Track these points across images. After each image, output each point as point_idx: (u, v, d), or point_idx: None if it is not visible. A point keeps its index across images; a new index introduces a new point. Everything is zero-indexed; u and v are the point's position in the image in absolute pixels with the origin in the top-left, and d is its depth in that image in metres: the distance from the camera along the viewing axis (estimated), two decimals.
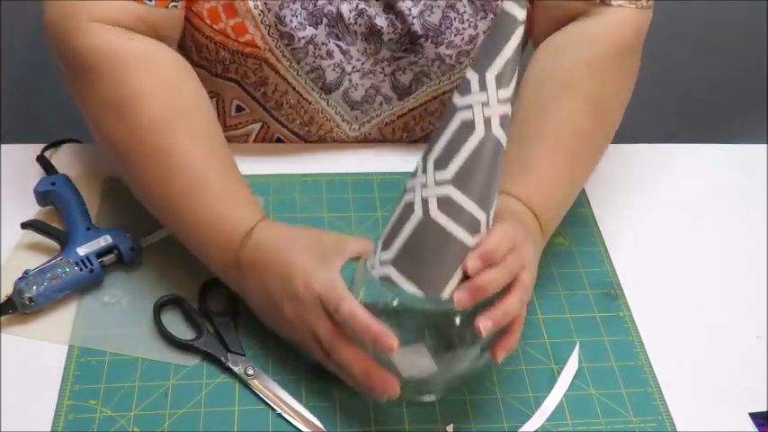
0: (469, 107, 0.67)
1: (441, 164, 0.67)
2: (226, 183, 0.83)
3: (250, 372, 0.80)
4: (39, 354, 0.81)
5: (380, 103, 1.01)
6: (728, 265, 0.96)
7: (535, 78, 0.92)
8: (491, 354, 0.74)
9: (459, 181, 0.67)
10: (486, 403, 0.80)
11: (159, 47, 0.86)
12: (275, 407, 0.78)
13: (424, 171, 0.69)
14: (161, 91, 0.83)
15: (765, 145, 1.11)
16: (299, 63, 0.94)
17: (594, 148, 0.91)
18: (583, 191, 1.01)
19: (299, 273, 0.75)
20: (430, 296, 0.69)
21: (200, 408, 0.78)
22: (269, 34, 0.92)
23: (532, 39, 1.00)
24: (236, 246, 0.80)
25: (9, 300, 0.82)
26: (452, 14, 0.93)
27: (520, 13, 0.66)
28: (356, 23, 0.94)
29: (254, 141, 1.05)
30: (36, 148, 0.99)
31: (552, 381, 0.82)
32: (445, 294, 0.69)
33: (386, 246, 0.71)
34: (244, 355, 0.81)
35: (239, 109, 1.02)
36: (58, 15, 0.84)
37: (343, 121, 1.01)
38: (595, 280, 0.92)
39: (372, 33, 0.94)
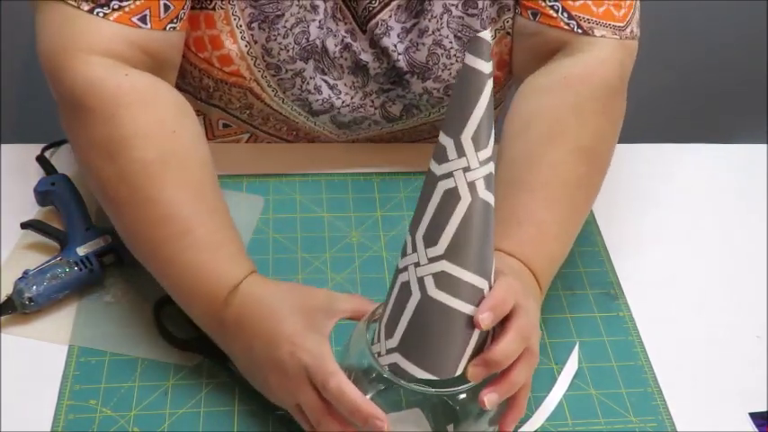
0: (450, 175, 0.62)
1: (430, 239, 0.64)
2: (213, 236, 0.77)
3: None
4: (39, 354, 0.81)
5: (369, 125, 1.01)
6: (728, 265, 0.96)
7: (520, 122, 0.88)
8: (496, 427, 0.71)
9: (453, 253, 0.63)
10: None
11: (158, 85, 0.82)
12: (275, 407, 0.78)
13: (415, 249, 0.65)
14: (155, 133, 0.79)
15: (765, 145, 1.11)
16: (284, 92, 0.94)
17: (587, 195, 0.87)
18: None
19: (284, 341, 0.71)
20: (444, 378, 0.66)
21: (200, 408, 0.78)
22: (255, 65, 0.91)
23: (513, 72, 0.98)
24: (220, 302, 0.75)
25: (9, 300, 0.82)
26: (439, 51, 0.92)
27: (486, 67, 0.60)
28: (342, 57, 0.93)
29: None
30: (36, 148, 0.99)
31: (552, 381, 0.82)
32: (458, 371, 0.66)
33: (389, 333, 0.67)
34: None
35: (226, 125, 1.02)
36: (51, 47, 0.80)
37: (331, 134, 1.02)
38: (595, 280, 0.92)
39: (359, 68, 0.94)
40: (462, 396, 0.70)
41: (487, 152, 0.63)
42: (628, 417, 0.80)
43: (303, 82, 0.93)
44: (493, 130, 0.63)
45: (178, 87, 0.88)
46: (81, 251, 0.86)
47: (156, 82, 0.82)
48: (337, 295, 0.75)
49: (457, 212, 0.62)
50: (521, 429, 0.78)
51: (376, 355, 0.68)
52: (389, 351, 0.67)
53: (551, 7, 0.89)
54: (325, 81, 0.94)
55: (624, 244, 0.96)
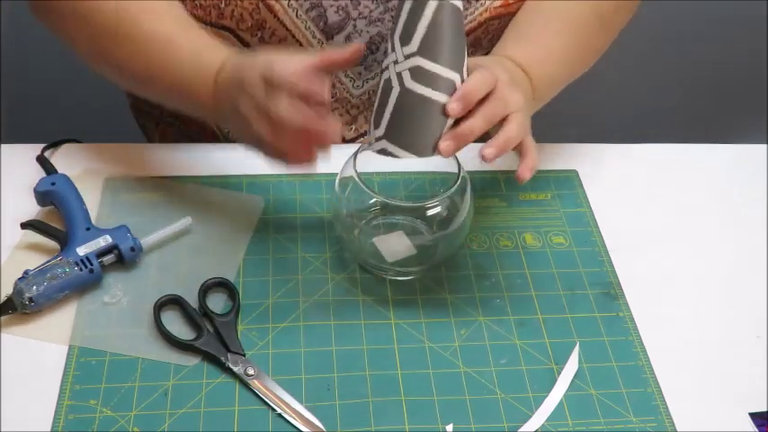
0: None
1: (405, 39, 0.73)
2: (189, 34, 0.86)
3: (250, 372, 0.80)
4: (39, 354, 0.81)
5: (385, 52, 0.99)
6: (728, 265, 0.96)
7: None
8: (463, 238, 0.81)
9: (424, 50, 0.73)
10: (486, 403, 0.80)
11: None
12: (275, 407, 0.78)
13: (393, 49, 0.74)
14: None
15: (765, 145, 1.11)
16: (297, 0, 0.93)
17: (593, 48, 0.97)
18: (583, 191, 1.01)
19: (246, 68, 0.78)
20: (424, 156, 0.75)
21: (201, 408, 0.78)
22: None
23: None
24: (211, 83, 0.82)
25: (9, 300, 0.82)
26: None
27: None
28: None
29: None
30: (36, 148, 0.99)
31: (552, 381, 0.82)
32: (436, 153, 0.75)
33: (376, 124, 0.76)
34: (244, 355, 0.81)
35: None
36: None
37: (345, 77, 1.00)
38: (595, 280, 0.92)
39: None
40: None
41: None
42: (628, 417, 0.80)
43: None
44: None
45: (189, 8, 0.93)
46: (81, 251, 0.86)
47: None
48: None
49: (426, 13, 0.72)
50: (521, 429, 0.78)
51: (369, 145, 0.78)
52: (378, 139, 0.77)
53: None
54: None
55: (624, 244, 0.96)
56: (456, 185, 0.83)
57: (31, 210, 0.92)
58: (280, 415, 0.78)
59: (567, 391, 0.81)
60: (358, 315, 0.87)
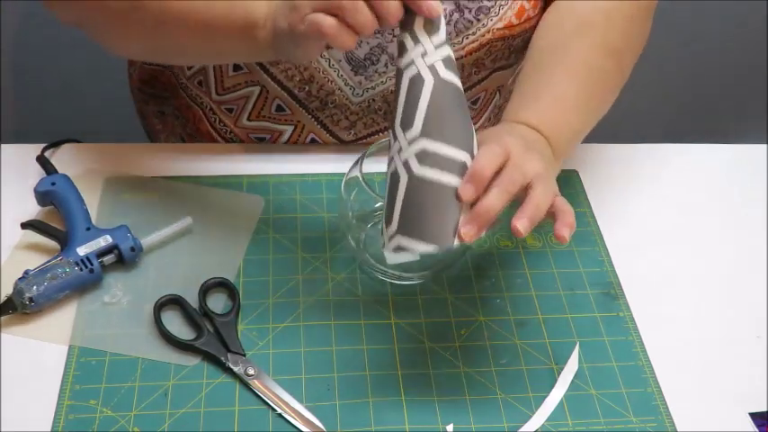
0: (411, 63, 0.69)
1: (406, 124, 0.69)
2: None
3: (250, 372, 0.80)
4: (39, 354, 0.81)
5: (386, 64, 0.98)
6: (728, 265, 0.96)
7: (551, 21, 0.94)
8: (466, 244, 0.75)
9: (428, 131, 0.69)
10: (486, 403, 0.80)
11: None
12: (275, 407, 0.78)
13: (396, 138, 0.70)
14: None
15: (765, 145, 1.11)
16: None
17: (610, 88, 0.91)
18: (583, 191, 1.01)
19: None
20: (445, 247, 0.70)
21: (201, 408, 0.78)
22: None
23: None
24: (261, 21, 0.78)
25: (9, 300, 0.82)
26: None
27: None
28: None
29: (253, 110, 1.03)
30: (36, 148, 0.99)
31: (552, 381, 0.82)
32: (458, 242, 0.70)
33: (388, 221, 0.72)
34: (244, 355, 0.81)
35: (237, 68, 1.00)
36: None
37: (345, 85, 1.00)
38: (595, 280, 0.92)
39: None
40: None
41: (440, 37, 0.70)
42: (628, 417, 0.80)
43: None
44: (443, 18, 0.70)
45: None
46: (81, 251, 0.86)
47: None
48: None
49: (424, 94, 0.69)
50: (520, 430, 0.78)
51: (382, 247, 0.73)
52: (391, 237, 0.71)
53: None
54: None
55: (624, 244, 0.96)
56: None
57: (31, 210, 0.92)
58: (280, 415, 0.78)
59: (567, 391, 0.81)
60: (358, 315, 0.87)
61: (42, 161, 0.97)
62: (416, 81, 0.69)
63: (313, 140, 1.04)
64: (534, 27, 1.00)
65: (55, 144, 1.01)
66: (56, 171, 0.96)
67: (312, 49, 0.73)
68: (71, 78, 1.58)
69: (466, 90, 1.03)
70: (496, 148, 0.72)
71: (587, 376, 0.83)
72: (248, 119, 1.04)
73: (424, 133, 0.69)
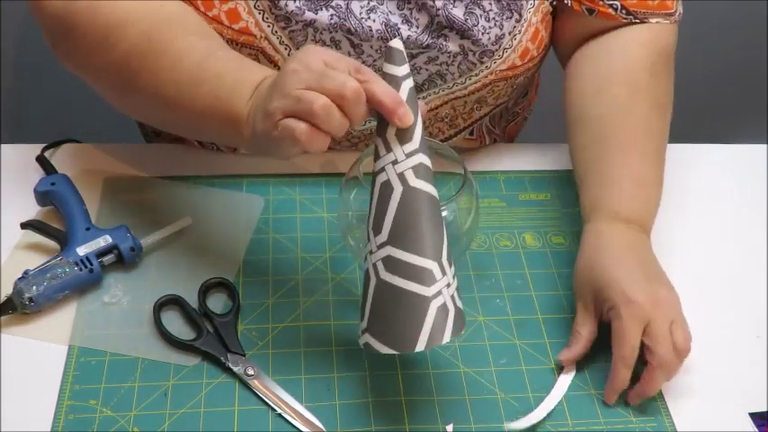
0: (383, 170, 0.71)
1: (377, 229, 0.71)
2: (232, 54, 0.82)
3: (250, 372, 0.80)
4: (39, 354, 0.81)
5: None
6: (728, 265, 0.96)
7: (598, 81, 0.95)
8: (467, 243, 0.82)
9: (394, 239, 0.70)
10: (486, 403, 0.80)
11: None
12: (275, 407, 0.78)
13: (368, 239, 0.72)
14: (141, 10, 0.82)
15: (765, 145, 1.11)
16: (298, 49, 0.91)
17: (664, 146, 0.95)
18: None
19: (296, 59, 0.72)
20: (404, 352, 0.71)
21: (200, 408, 0.78)
22: (263, 19, 0.90)
23: (559, 50, 1.02)
24: (252, 87, 0.77)
25: (9, 300, 0.82)
26: (477, 11, 0.92)
27: (400, 71, 0.69)
28: (369, 18, 0.91)
29: None
30: (36, 148, 0.99)
31: (552, 381, 0.82)
32: (419, 347, 0.70)
33: (362, 315, 0.74)
34: (244, 355, 0.81)
35: None
36: None
37: None
38: None
39: (389, 28, 0.92)
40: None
41: (413, 145, 0.70)
42: (628, 417, 0.80)
43: (316, 32, 0.90)
44: (419, 124, 0.70)
45: None
46: (81, 251, 0.86)
47: None
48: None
49: (392, 202, 0.70)
50: (514, 424, 0.78)
51: (358, 335, 0.74)
52: (363, 332, 0.74)
53: (610, 6, 0.95)
54: (349, 39, 0.91)
55: None
56: (462, 189, 0.82)
57: (31, 210, 0.92)
58: (280, 415, 0.78)
59: (567, 391, 0.81)
60: (358, 315, 0.86)
61: (42, 161, 0.97)
62: (386, 187, 0.70)
63: None
64: (537, 66, 1.01)
65: (55, 144, 1.01)
66: (56, 171, 0.96)
67: (289, 151, 0.73)
68: (71, 78, 1.58)
69: (467, 125, 1.04)
70: (630, 328, 0.79)
71: (587, 376, 0.83)
72: None
73: (390, 241, 0.70)
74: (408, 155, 0.70)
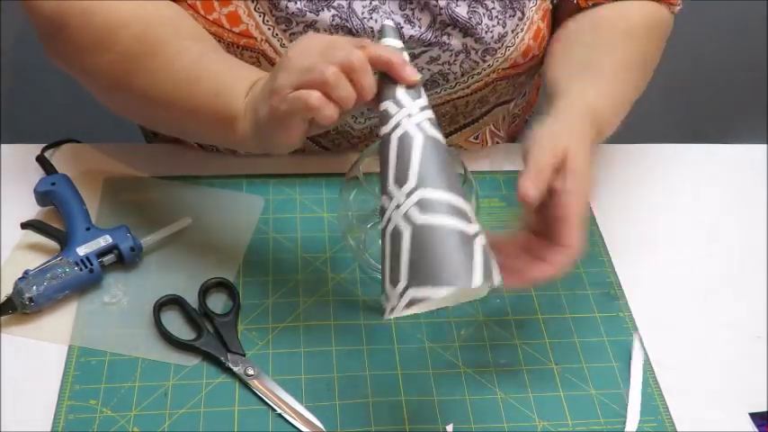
0: (398, 125, 0.71)
1: (401, 180, 0.69)
2: (224, 55, 0.83)
3: (250, 372, 0.80)
4: (39, 354, 0.81)
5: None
6: (728, 265, 0.96)
7: (592, 21, 0.95)
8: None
9: (424, 181, 0.69)
10: (486, 403, 0.80)
11: None
12: (275, 407, 0.78)
13: (391, 198, 0.70)
14: (133, 14, 0.82)
15: (765, 145, 1.11)
16: None
17: (638, 89, 0.93)
18: None
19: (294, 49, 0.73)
20: (460, 286, 0.67)
21: (201, 408, 0.78)
22: (264, 22, 0.90)
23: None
24: (247, 86, 0.78)
25: (9, 300, 0.82)
26: (480, 10, 0.92)
27: (398, 44, 0.73)
28: (371, 19, 0.91)
29: None
30: (36, 148, 0.99)
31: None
32: (476, 281, 0.67)
33: (394, 281, 0.69)
34: (244, 355, 0.81)
35: None
36: None
37: (350, 116, 1.00)
38: (595, 280, 0.92)
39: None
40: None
41: (423, 101, 0.72)
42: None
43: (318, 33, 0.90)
44: (422, 84, 0.73)
45: None
46: (81, 251, 0.86)
47: None
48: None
49: (415, 149, 0.70)
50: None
51: (390, 312, 0.69)
52: (401, 294, 0.68)
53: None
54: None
55: (624, 244, 0.96)
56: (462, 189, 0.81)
57: (31, 210, 0.92)
58: (280, 415, 0.78)
59: (566, 391, 0.81)
60: (358, 315, 0.87)
61: (42, 161, 0.97)
62: (405, 139, 0.70)
63: None
64: (539, 64, 1.00)
65: (55, 144, 1.01)
66: (56, 171, 0.96)
67: (294, 130, 0.72)
68: (71, 78, 1.58)
69: (468, 123, 1.04)
70: (547, 151, 0.72)
71: (587, 376, 0.83)
72: None
73: (421, 183, 0.69)
74: (421, 109, 0.71)
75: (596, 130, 0.79)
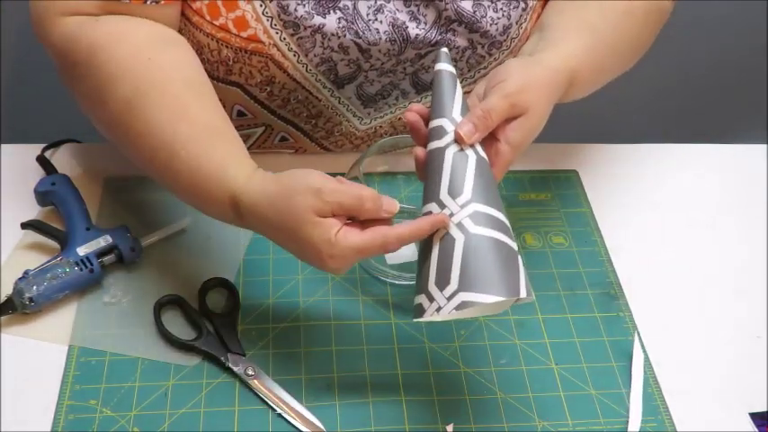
0: (453, 142, 0.75)
1: (455, 192, 0.73)
2: (194, 160, 0.79)
3: (250, 372, 0.80)
4: (39, 354, 0.81)
5: (396, 98, 0.99)
6: (728, 265, 0.96)
7: (579, 3, 0.92)
8: None
9: (477, 197, 0.73)
10: (486, 403, 0.80)
11: (131, 21, 0.84)
12: (275, 407, 0.78)
13: (442, 207, 0.73)
14: (131, 66, 0.81)
15: (765, 145, 1.11)
16: (306, 56, 0.91)
17: (623, 65, 0.93)
18: (583, 191, 1.01)
19: (302, 220, 0.73)
20: (510, 297, 0.71)
21: (201, 408, 0.78)
22: (271, 26, 0.89)
23: None
24: (229, 210, 0.78)
25: (9, 300, 0.82)
26: (485, 2, 0.92)
27: (451, 69, 0.77)
28: (377, 20, 0.91)
29: (254, 144, 1.03)
30: (36, 148, 0.99)
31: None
32: (522, 293, 0.71)
33: (443, 283, 0.72)
34: (244, 355, 0.81)
35: (241, 114, 0.99)
36: (34, 15, 0.86)
37: (354, 116, 1.00)
38: (595, 280, 0.92)
39: (396, 28, 0.91)
40: None
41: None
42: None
43: (325, 39, 0.90)
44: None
45: None
46: (81, 251, 0.86)
47: (129, 19, 0.85)
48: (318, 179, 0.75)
49: (469, 166, 0.74)
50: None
51: (435, 313, 0.72)
52: (451, 296, 0.71)
53: None
54: (357, 44, 0.91)
55: (624, 244, 0.96)
56: None
57: (31, 210, 0.92)
58: (280, 415, 0.78)
59: (566, 391, 0.81)
60: (358, 315, 0.87)
61: (42, 161, 0.97)
62: (461, 157, 0.74)
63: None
64: None
65: (55, 144, 1.01)
66: (56, 171, 0.96)
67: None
68: None
69: None
70: (502, 101, 0.76)
71: (587, 376, 0.83)
72: (248, 149, 1.04)
73: (474, 198, 0.73)
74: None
75: (566, 92, 0.83)
